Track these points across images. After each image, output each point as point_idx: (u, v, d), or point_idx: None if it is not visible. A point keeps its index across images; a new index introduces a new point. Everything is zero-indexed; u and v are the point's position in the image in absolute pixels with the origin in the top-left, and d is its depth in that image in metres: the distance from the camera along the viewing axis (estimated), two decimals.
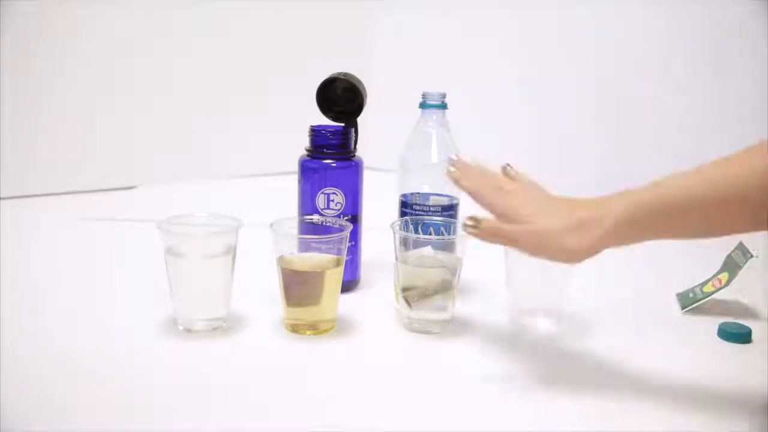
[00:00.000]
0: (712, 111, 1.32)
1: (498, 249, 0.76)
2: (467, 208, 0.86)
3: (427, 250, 0.73)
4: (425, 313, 0.74)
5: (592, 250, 0.59)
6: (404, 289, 0.74)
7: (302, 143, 0.84)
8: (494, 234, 0.59)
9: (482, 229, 0.59)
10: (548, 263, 0.74)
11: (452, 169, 0.64)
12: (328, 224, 0.77)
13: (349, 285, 0.84)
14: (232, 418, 0.57)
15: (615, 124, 1.43)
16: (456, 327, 0.76)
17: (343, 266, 0.74)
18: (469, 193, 0.63)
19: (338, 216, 0.81)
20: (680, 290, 0.87)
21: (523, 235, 0.59)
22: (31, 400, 0.58)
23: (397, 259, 0.75)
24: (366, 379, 0.66)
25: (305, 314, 0.74)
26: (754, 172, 0.56)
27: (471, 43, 1.54)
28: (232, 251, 0.72)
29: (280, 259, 0.72)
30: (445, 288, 0.73)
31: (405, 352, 0.72)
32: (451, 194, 0.84)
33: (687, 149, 1.34)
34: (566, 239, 0.58)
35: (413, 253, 0.73)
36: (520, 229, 0.59)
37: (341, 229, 0.74)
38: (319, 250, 0.73)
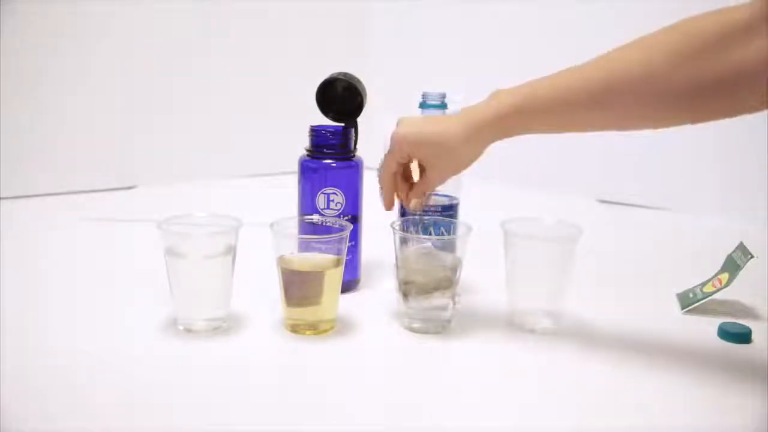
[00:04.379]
0: None
1: (498, 249, 0.77)
2: (467, 207, 0.86)
3: (427, 247, 0.73)
4: (425, 312, 0.74)
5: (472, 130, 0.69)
6: (404, 283, 0.74)
7: (302, 143, 0.84)
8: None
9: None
10: (547, 263, 0.75)
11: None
12: (328, 224, 0.77)
13: (349, 285, 0.84)
14: (232, 418, 0.57)
15: None
16: (456, 327, 0.76)
17: (343, 266, 0.74)
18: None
19: (338, 216, 0.81)
20: (680, 290, 0.87)
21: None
22: (31, 400, 0.58)
23: (397, 258, 0.75)
24: (366, 379, 0.66)
25: (305, 314, 0.73)
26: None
27: (471, 43, 1.54)
28: (232, 251, 0.72)
29: (280, 259, 0.72)
30: (444, 285, 0.73)
31: (405, 352, 0.72)
32: (451, 194, 0.85)
33: (686, 150, 1.35)
34: (446, 123, 0.71)
35: (414, 249, 0.74)
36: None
37: (341, 229, 0.74)
38: (319, 250, 0.73)
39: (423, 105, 0.85)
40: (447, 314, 0.75)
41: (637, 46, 0.63)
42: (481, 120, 0.69)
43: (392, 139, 0.73)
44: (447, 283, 0.73)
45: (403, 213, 0.85)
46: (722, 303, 0.83)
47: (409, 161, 0.75)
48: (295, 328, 0.73)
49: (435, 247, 0.74)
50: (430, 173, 0.73)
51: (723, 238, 0.90)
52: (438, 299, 0.73)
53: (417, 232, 0.78)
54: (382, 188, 0.77)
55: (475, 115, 0.70)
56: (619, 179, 1.43)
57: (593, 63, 0.65)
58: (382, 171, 0.76)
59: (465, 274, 0.75)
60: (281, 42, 1.57)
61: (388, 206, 0.77)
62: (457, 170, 0.74)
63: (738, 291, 0.82)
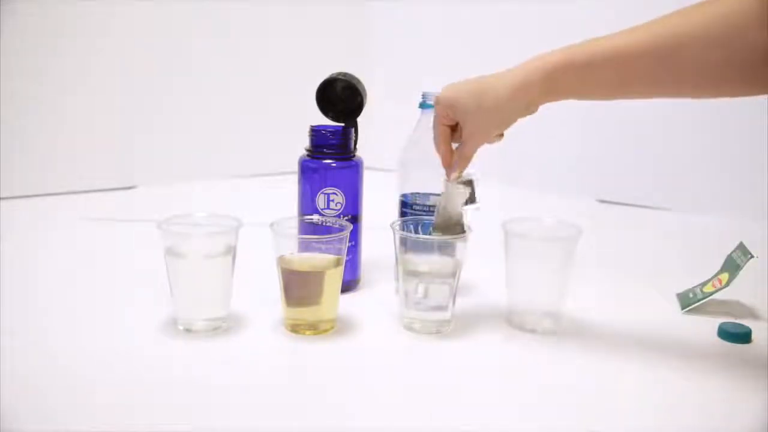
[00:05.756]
0: (708, 109, 1.32)
1: (498, 249, 0.77)
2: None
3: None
4: (425, 313, 0.74)
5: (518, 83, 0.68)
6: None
7: (302, 143, 0.84)
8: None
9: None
10: (547, 263, 0.75)
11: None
12: (328, 224, 0.77)
13: (349, 285, 0.84)
14: (232, 418, 0.57)
15: (615, 122, 1.43)
16: (456, 327, 0.76)
17: (343, 266, 0.74)
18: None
19: (338, 216, 0.81)
20: (680, 290, 0.87)
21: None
22: (31, 400, 0.59)
23: (397, 260, 0.75)
24: (366, 379, 0.66)
25: (305, 314, 0.74)
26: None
27: (471, 43, 1.54)
28: (232, 251, 0.72)
29: (280, 259, 0.72)
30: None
31: (405, 352, 0.72)
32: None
33: (686, 150, 1.35)
34: (497, 79, 0.69)
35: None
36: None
37: (341, 229, 0.74)
38: (319, 250, 0.73)
39: (423, 105, 0.85)
40: (447, 314, 0.75)
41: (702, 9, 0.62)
42: (524, 79, 0.68)
43: (434, 103, 0.75)
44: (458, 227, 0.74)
45: (404, 213, 0.85)
46: (722, 303, 0.83)
47: (453, 123, 0.74)
48: (295, 328, 0.73)
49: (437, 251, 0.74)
50: (465, 130, 0.72)
51: (723, 238, 0.90)
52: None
53: (417, 232, 0.78)
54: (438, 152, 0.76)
55: (517, 75, 0.68)
56: (619, 179, 1.43)
57: (648, 24, 0.65)
58: (435, 138, 0.76)
59: (465, 274, 0.76)
60: (281, 42, 1.57)
61: (446, 164, 0.76)
62: (497, 126, 0.72)
63: (738, 291, 0.82)
